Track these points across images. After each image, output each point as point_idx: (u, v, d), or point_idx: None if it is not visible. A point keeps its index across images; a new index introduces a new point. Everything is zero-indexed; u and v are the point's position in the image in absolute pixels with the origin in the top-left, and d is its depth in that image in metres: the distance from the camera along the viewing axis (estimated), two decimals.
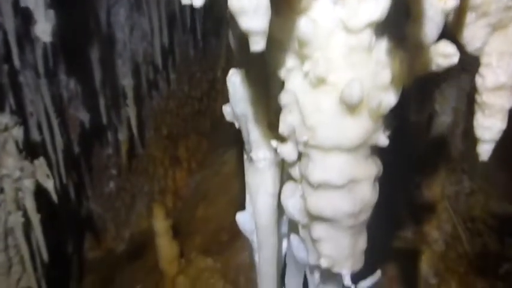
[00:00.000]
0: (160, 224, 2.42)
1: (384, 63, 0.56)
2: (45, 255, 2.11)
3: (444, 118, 2.14)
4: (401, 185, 1.88)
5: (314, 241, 0.66)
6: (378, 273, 0.72)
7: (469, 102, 1.98)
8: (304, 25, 0.55)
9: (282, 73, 0.61)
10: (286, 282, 0.86)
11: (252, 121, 0.69)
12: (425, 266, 1.96)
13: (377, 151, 0.64)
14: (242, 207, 0.84)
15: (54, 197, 2.02)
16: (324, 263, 0.64)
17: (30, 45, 2.43)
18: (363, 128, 0.57)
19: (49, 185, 2.00)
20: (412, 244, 1.99)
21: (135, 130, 3.14)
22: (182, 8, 3.09)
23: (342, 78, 0.56)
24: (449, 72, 2.05)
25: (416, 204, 2.04)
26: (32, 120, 2.53)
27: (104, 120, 2.99)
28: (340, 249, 0.64)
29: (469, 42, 0.69)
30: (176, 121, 3.36)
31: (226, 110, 0.78)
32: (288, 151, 0.63)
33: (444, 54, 0.54)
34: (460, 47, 0.63)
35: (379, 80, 0.55)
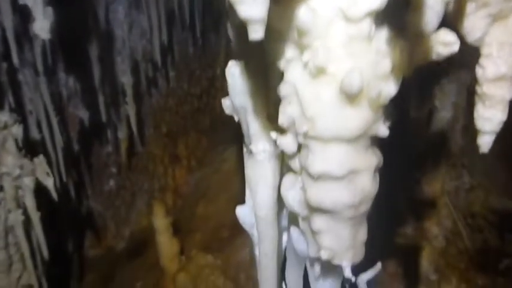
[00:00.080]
0: (161, 222, 2.42)
1: (384, 53, 0.55)
2: (45, 253, 2.11)
3: (444, 114, 2.14)
4: (401, 181, 1.88)
5: (314, 233, 0.65)
6: (378, 266, 0.72)
7: (468, 98, 1.98)
8: (303, 14, 0.54)
9: (282, 64, 0.61)
10: (286, 275, 0.85)
11: (252, 113, 0.68)
12: (425, 262, 1.96)
13: (377, 142, 0.64)
14: (242, 204, 0.84)
15: (54, 195, 2.02)
16: (324, 255, 0.64)
17: (29, 43, 2.43)
18: (363, 118, 0.57)
19: (49, 183, 2.00)
20: (413, 240, 1.99)
21: (134, 128, 3.14)
22: (181, 5, 3.08)
23: (341, 67, 0.55)
24: (449, 68, 2.05)
25: (417, 200, 2.04)
26: (31, 118, 2.53)
27: (104, 118, 2.99)
28: (340, 240, 0.64)
29: (469, 32, 0.69)
30: (176, 119, 3.36)
31: (226, 103, 0.77)
32: (287, 143, 0.63)
33: (444, 43, 0.53)
34: (460, 40, 0.63)
35: (379, 70, 0.55)
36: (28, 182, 1.96)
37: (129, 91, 3.01)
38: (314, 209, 0.63)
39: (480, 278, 1.89)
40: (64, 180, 2.74)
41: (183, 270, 2.36)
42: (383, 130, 0.60)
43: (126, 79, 2.97)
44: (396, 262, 1.93)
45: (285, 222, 0.82)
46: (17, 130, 1.95)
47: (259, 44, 0.62)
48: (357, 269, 0.71)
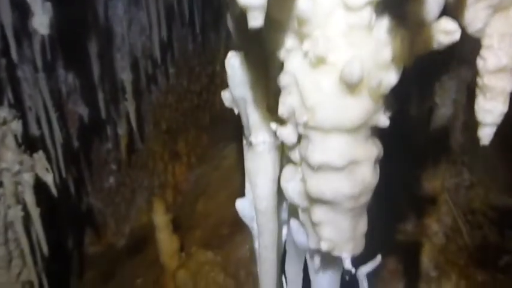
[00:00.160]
0: (161, 219, 2.42)
1: (384, 42, 0.55)
2: (45, 249, 2.11)
3: (444, 110, 2.14)
4: (401, 178, 1.87)
5: (314, 224, 0.65)
6: (378, 258, 0.71)
7: (469, 95, 1.98)
8: (303, 3, 0.54)
9: (282, 54, 0.60)
10: (286, 269, 0.85)
11: (251, 104, 0.68)
12: (425, 258, 1.96)
13: (377, 132, 0.63)
14: None
15: (54, 190, 2.02)
16: (324, 246, 0.64)
17: (28, 39, 2.42)
18: (363, 108, 0.57)
19: (48, 178, 2.00)
20: (413, 237, 2.00)
21: (134, 125, 3.13)
22: (180, 1, 3.07)
23: (341, 57, 0.55)
24: (449, 65, 2.05)
25: (417, 197, 2.04)
26: (30, 114, 2.52)
27: (103, 114, 2.98)
28: (340, 232, 0.63)
29: (470, 23, 0.68)
30: (175, 115, 3.35)
31: (225, 95, 0.77)
32: (287, 133, 0.62)
33: (445, 31, 0.53)
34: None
35: (379, 59, 0.55)
36: (27, 177, 1.96)
37: (128, 88, 3.00)
38: (314, 200, 0.63)
39: (480, 274, 1.89)
40: (63, 176, 2.73)
41: (183, 267, 2.36)
42: (383, 120, 0.60)
43: (125, 76, 2.96)
44: (396, 259, 1.93)
45: (284, 215, 0.82)
46: (16, 126, 1.95)
47: (258, 34, 0.62)
48: (357, 261, 0.71)
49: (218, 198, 2.63)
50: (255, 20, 0.46)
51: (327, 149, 0.59)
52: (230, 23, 0.68)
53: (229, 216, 2.32)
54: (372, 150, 0.61)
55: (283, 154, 0.72)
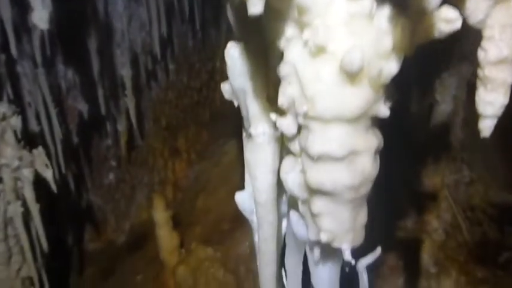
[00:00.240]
0: (160, 215, 2.42)
1: (385, 31, 0.54)
2: (45, 246, 2.11)
3: (444, 107, 2.13)
4: (401, 174, 1.87)
5: (314, 216, 0.65)
6: (378, 250, 0.71)
7: (469, 91, 1.97)
8: None
9: (281, 43, 0.60)
10: (286, 261, 0.85)
11: (251, 95, 0.68)
12: (425, 255, 1.96)
13: (377, 123, 0.63)
14: None
15: (54, 186, 2.02)
16: (323, 238, 0.63)
17: (28, 34, 2.41)
18: (364, 98, 0.56)
19: (48, 174, 2.00)
20: (412, 233, 2.00)
21: (134, 121, 3.13)
22: None
23: (342, 46, 0.54)
24: (449, 62, 2.05)
25: (417, 194, 2.04)
26: (30, 110, 2.52)
27: (103, 110, 2.97)
28: (340, 223, 0.63)
29: (471, 14, 0.68)
30: (175, 112, 3.35)
31: (225, 87, 0.77)
32: (287, 124, 0.62)
33: (447, 19, 0.53)
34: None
35: (380, 48, 0.54)
36: (27, 173, 1.96)
37: (128, 84, 2.99)
38: (314, 191, 0.63)
39: (479, 270, 1.89)
40: (63, 172, 2.73)
41: (183, 263, 2.36)
42: (384, 110, 0.59)
43: (125, 72, 2.95)
44: (396, 255, 1.93)
45: (284, 208, 0.82)
46: (16, 121, 1.94)
47: (258, 24, 0.62)
48: (356, 255, 0.70)
49: (218, 194, 2.63)
50: (255, 7, 0.45)
51: (327, 139, 0.58)
52: (230, 13, 0.68)
53: (229, 213, 2.32)
54: (372, 140, 0.61)
55: (283, 146, 0.71)
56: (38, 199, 2.02)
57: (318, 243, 0.69)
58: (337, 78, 0.55)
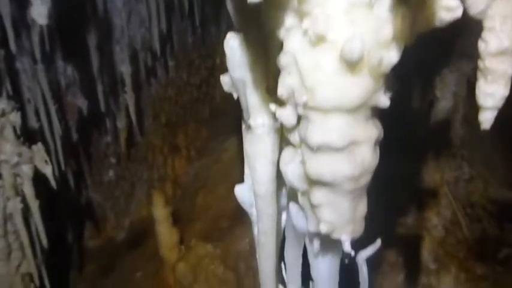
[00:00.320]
0: (160, 212, 2.42)
1: (385, 20, 0.54)
2: (44, 242, 2.11)
3: (444, 104, 2.13)
4: (401, 171, 1.87)
5: (313, 207, 0.64)
6: (378, 243, 0.71)
7: (469, 88, 1.97)
8: None
9: (281, 33, 0.59)
10: (285, 254, 0.85)
11: (251, 86, 0.67)
12: (425, 251, 1.96)
13: (377, 113, 0.63)
14: None
15: (53, 182, 2.02)
16: (323, 229, 0.63)
17: (27, 30, 2.40)
18: (364, 87, 0.56)
19: (47, 170, 1.99)
20: (412, 230, 2.00)
21: (133, 118, 3.12)
22: None
23: (341, 35, 0.54)
24: (449, 58, 2.04)
25: (417, 191, 2.03)
26: (29, 106, 2.51)
27: (102, 107, 2.97)
28: (340, 214, 0.63)
29: (472, 5, 0.67)
30: (175, 109, 3.34)
31: (224, 80, 0.76)
32: (287, 115, 0.62)
33: (447, 8, 0.52)
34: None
35: (380, 37, 0.54)
36: (26, 169, 1.95)
37: (128, 80, 2.98)
38: (313, 182, 0.63)
39: (479, 267, 1.89)
40: (63, 169, 2.73)
41: (182, 260, 2.36)
42: (384, 100, 0.59)
43: (124, 68, 2.94)
44: (396, 251, 1.94)
45: (284, 201, 0.82)
46: (15, 117, 1.94)
47: (258, 14, 0.61)
48: (356, 248, 0.70)
49: (218, 191, 2.62)
50: None
51: (327, 129, 0.58)
52: (229, 3, 0.68)
53: (229, 209, 2.32)
54: (372, 130, 0.61)
55: (283, 137, 0.71)
56: (38, 195, 2.02)
57: (317, 234, 0.69)
58: (337, 68, 0.55)
